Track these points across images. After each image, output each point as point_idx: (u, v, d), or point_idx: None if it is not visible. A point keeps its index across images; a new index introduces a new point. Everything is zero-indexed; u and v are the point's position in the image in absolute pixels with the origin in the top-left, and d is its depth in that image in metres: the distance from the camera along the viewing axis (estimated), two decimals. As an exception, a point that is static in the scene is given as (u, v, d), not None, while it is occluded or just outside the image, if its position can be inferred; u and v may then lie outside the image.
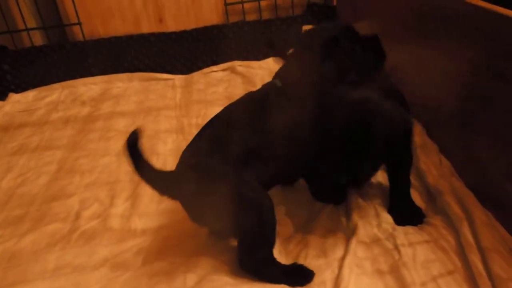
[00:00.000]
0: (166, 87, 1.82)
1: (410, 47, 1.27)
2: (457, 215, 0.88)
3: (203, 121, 1.45)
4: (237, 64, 1.90)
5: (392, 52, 1.39)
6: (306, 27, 1.90)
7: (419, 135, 1.10)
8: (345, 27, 0.99)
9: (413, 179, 1.03)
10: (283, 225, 0.97)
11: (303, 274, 0.82)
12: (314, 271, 0.83)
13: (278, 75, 0.99)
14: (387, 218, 0.94)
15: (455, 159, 1.04)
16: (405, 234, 0.89)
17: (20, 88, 1.87)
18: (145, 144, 1.35)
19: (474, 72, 0.95)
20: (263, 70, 1.81)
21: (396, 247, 0.85)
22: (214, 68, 1.91)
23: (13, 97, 1.81)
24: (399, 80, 1.35)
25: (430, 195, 0.99)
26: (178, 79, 1.87)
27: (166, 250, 0.93)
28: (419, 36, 1.18)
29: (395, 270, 0.81)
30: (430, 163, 1.03)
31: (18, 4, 1.80)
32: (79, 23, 1.86)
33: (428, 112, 1.17)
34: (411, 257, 0.83)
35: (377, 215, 0.95)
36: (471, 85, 0.97)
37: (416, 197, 0.98)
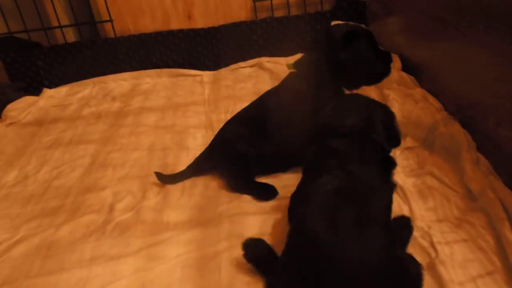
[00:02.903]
0: (194, 83, 1.84)
1: (445, 43, 1.24)
2: (497, 214, 0.85)
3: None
4: (265, 60, 1.90)
5: (426, 48, 1.37)
6: (335, 23, 1.89)
7: (456, 133, 1.07)
8: (368, 32, 1.04)
9: (450, 177, 1.01)
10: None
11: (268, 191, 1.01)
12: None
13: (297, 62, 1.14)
14: (422, 216, 0.92)
15: (493, 157, 1.01)
16: (442, 233, 0.87)
17: (53, 83, 1.93)
18: (174, 139, 1.39)
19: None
20: (291, 67, 1.81)
21: (433, 245, 0.83)
22: (242, 64, 1.92)
23: (47, 92, 1.87)
24: (433, 77, 1.32)
25: (469, 193, 0.96)
26: (206, 75, 1.88)
27: (199, 243, 0.94)
28: (456, 31, 1.15)
29: (432, 268, 0.79)
30: (468, 162, 1.00)
31: (52, 2, 1.85)
32: (111, 20, 1.89)
33: (465, 110, 1.13)
34: (448, 256, 0.81)
35: (412, 212, 0.94)
36: (510, 81, 0.94)
37: (455, 196, 0.96)
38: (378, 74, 1.14)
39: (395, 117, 0.90)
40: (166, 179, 1.16)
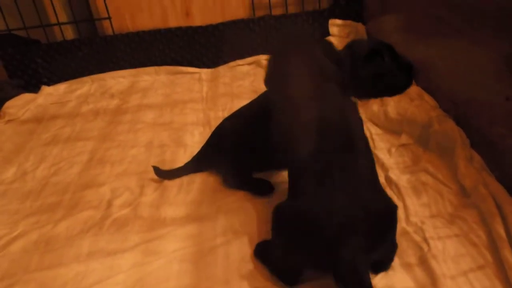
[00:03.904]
0: (192, 80, 1.85)
1: (440, 41, 1.25)
2: (489, 210, 0.87)
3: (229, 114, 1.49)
4: (263, 58, 1.91)
5: (422, 47, 1.38)
6: (333, 22, 1.91)
7: (450, 130, 1.09)
8: (389, 46, 1.05)
9: (444, 174, 1.02)
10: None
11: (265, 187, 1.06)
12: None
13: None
14: (416, 212, 0.93)
15: (486, 154, 1.02)
16: (434, 228, 0.88)
17: (52, 81, 1.93)
18: (172, 136, 1.40)
19: (509, 66, 0.93)
20: (288, 64, 1.81)
21: (425, 240, 0.85)
22: (239, 62, 1.93)
23: (46, 89, 1.87)
24: (428, 75, 1.33)
25: (462, 190, 0.98)
26: (204, 72, 1.89)
27: (196, 239, 0.95)
28: (451, 29, 1.17)
29: (424, 262, 0.80)
30: (461, 159, 1.01)
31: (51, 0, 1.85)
32: (109, 18, 1.90)
33: (459, 107, 1.15)
34: (440, 250, 0.82)
35: (406, 208, 0.95)
36: (505, 79, 0.95)
37: (448, 192, 0.98)
38: (400, 86, 1.13)
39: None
40: (163, 174, 1.18)
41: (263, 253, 0.87)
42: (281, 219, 0.79)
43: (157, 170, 1.17)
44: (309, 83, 0.91)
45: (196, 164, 1.20)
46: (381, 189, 0.79)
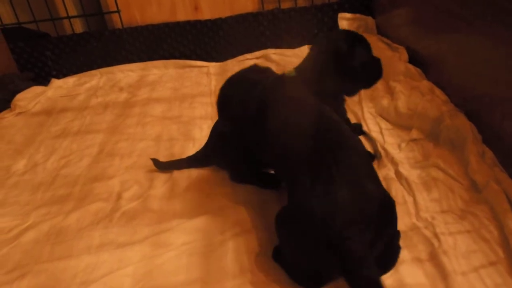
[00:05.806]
0: (201, 74, 1.85)
1: (452, 35, 1.23)
2: (501, 205, 0.86)
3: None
4: (271, 52, 1.90)
5: (433, 41, 1.36)
6: (343, 15, 1.89)
7: (461, 125, 1.07)
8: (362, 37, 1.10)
9: (455, 169, 1.01)
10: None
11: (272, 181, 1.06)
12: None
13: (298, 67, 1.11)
14: (427, 207, 0.93)
15: (498, 150, 1.01)
16: (445, 223, 0.87)
17: (61, 74, 1.94)
18: (181, 130, 1.40)
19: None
20: (297, 58, 1.79)
21: (436, 235, 0.84)
22: (248, 55, 1.92)
23: (55, 82, 1.88)
24: (439, 69, 1.32)
25: (473, 185, 0.97)
26: (213, 66, 1.89)
27: (204, 232, 0.95)
28: (463, 22, 1.15)
29: (435, 258, 0.80)
30: (473, 154, 1.00)
31: (60, -8, 1.86)
32: (118, 11, 1.90)
33: (471, 102, 1.13)
34: (451, 246, 0.81)
35: (416, 203, 0.94)
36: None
37: (459, 187, 0.97)
38: (373, 78, 1.14)
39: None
40: (162, 165, 1.19)
41: (280, 256, 0.85)
42: (283, 224, 0.78)
43: (156, 162, 1.19)
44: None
45: (199, 161, 1.19)
46: (379, 182, 0.78)
